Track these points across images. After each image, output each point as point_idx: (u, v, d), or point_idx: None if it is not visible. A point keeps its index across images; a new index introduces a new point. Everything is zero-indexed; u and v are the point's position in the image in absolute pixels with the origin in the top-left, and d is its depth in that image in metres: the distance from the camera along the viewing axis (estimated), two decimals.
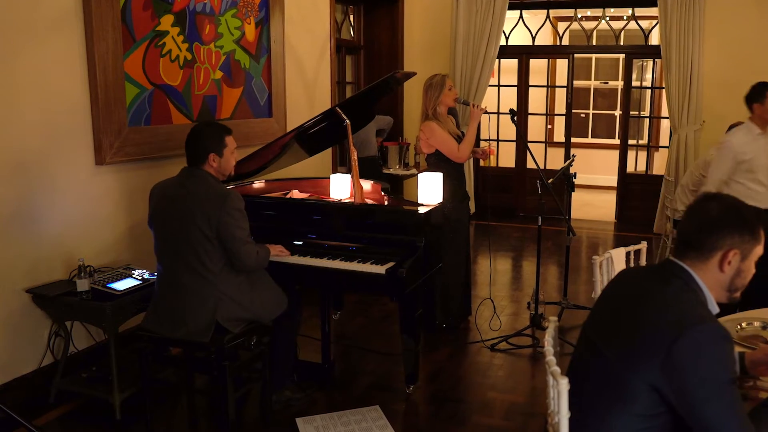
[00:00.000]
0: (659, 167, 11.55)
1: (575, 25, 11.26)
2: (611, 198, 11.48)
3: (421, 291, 4.72)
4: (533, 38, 11.12)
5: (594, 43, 12.02)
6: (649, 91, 12.09)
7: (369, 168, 8.33)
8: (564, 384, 2.38)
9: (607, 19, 11.03)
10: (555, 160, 11.20)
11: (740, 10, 9.35)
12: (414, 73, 5.70)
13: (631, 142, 11.28)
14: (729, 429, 2.16)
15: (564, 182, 6.37)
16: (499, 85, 11.29)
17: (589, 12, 12.11)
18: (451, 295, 5.95)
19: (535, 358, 5.47)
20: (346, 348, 5.67)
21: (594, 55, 14.07)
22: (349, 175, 5.06)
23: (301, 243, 4.71)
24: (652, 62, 11.33)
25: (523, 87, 11.12)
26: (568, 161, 6.63)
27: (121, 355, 4.52)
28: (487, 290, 6.86)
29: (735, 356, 2.33)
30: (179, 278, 3.90)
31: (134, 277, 4.65)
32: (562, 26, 12.37)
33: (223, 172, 4.05)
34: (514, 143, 11.27)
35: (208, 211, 3.80)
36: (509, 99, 10.96)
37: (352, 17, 10.23)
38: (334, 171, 8.22)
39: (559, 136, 12.72)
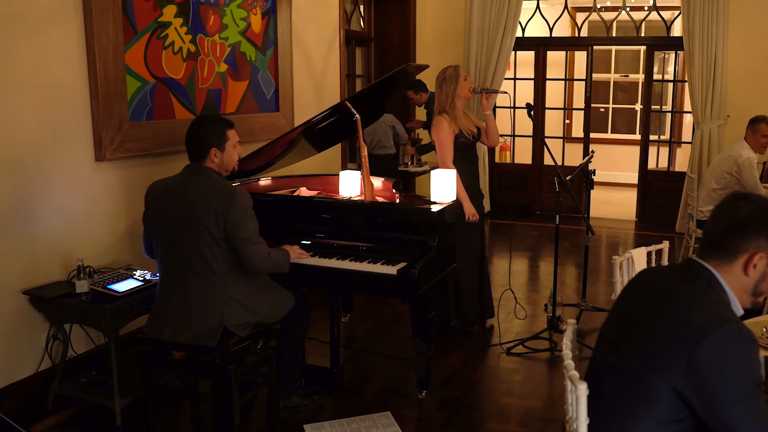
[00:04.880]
0: (682, 164, 11.52)
1: (594, 16, 11.21)
2: (631, 196, 11.44)
3: (434, 292, 4.70)
4: (551, 29, 11.08)
5: (614, 34, 12.00)
6: (671, 85, 12.03)
7: (383, 166, 8.33)
8: (583, 389, 2.36)
9: (628, 9, 10.98)
10: (573, 156, 11.16)
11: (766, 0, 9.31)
12: (426, 66, 5.68)
13: (652, 137, 11.23)
14: None
15: (582, 179, 6.34)
16: (515, 79, 11.26)
17: (608, 2, 12.07)
18: (465, 297, 5.93)
19: (553, 363, 5.45)
20: (355, 352, 5.65)
21: (614, 47, 14.01)
22: (359, 172, 5.04)
23: (309, 242, 4.70)
24: (674, 54, 11.27)
25: (540, 80, 11.09)
26: (586, 157, 6.60)
27: (122, 359, 4.51)
28: (503, 291, 6.83)
29: (760, 359, 2.30)
30: (183, 280, 3.86)
31: (135, 278, 4.64)
32: (580, 17, 12.33)
33: (226, 168, 4.01)
34: (531, 139, 11.24)
35: (215, 210, 3.76)
36: (526, 93, 10.91)
37: (362, 8, 10.20)
38: (344, 168, 8.22)
39: (578, 131, 12.69)
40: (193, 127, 3.97)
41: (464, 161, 5.67)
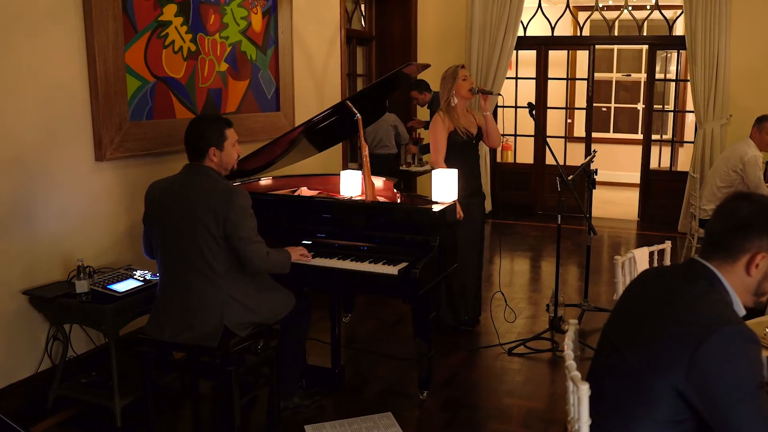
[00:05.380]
0: (684, 163, 11.50)
1: (596, 15, 11.19)
2: (634, 195, 11.42)
3: (436, 293, 4.69)
4: (552, 28, 11.08)
5: (616, 33, 11.95)
6: (673, 84, 12.02)
7: (384, 165, 8.32)
8: (584, 390, 2.35)
9: (630, 8, 10.96)
10: (575, 155, 11.14)
11: None
12: (428, 65, 5.68)
13: (654, 137, 11.20)
14: None
15: (584, 179, 6.33)
16: (516, 78, 11.25)
17: (610, 1, 12.05)
18: (457, 295, 5.93)
19: (555, 363, 5.44)
20: (356, 352, 5.65)
21: (616, 46, 14.01)
22: (360, 172, 5.04)
23: (310, 243, 4.69)
24: (676, 53, 11.26)
25: (541, 79, 11.08)
26: (588, 157, 6.59)
27: (122, 359, 4.51)
28: (505, 291, 6.83)
29: (763, 360, 2.30)
30: (183, 280, 3.86)
31: (136, 278, 4.64)
32: (582, 16, 12.33)
33: (225, 167, 4.01)
34: (533, 138, 11.23)
35: (215, 209, 3.76)
36: (527, 92, 10.90)
37: (363, 6, 10.20)
38: (345, 167, 8.21)
39: (580, 130, 12.66)
40: (191, 126, 3.97)
41: (459, 159, 5.67)
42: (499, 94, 6.00)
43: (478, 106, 5.90)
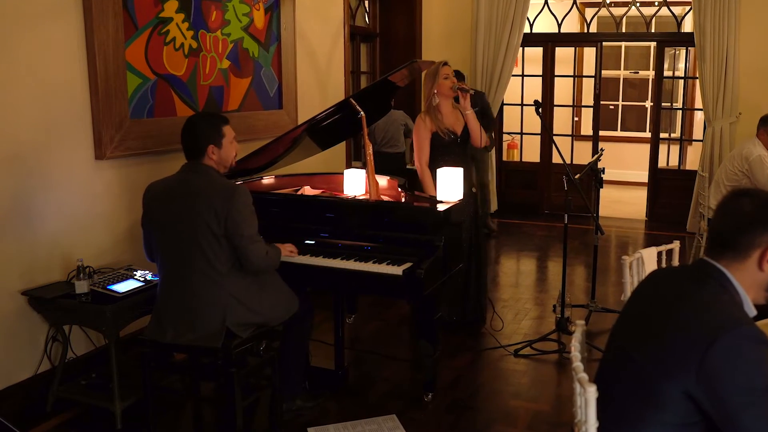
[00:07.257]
0: (692, 162, 11.48)
1: (604, 12, 11.18)
2: (642, 194, 11.42)
3: (440, 293, 4.68)
4: (559, 25, 11.06)
5: (623, 30, 11.97)
6: (681, 82, 12.00)
7: (393, 164, 8.31)
8: (592, 392, 2.35)
9: (638, 5, 10.95)
10: (582, 154, 11.12)
11: None
12: (432, 63, 5.67)
13: (662, 135, 11.19)
14: None
15: (592, 178, 6.32)
16: (523, 75, 11.24)
17: None
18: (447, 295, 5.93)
19: (561, 365, 5.43)
20: (360, 353, 5.64)
21: (624, 43, 13.99)
22: (363, 171, 5.03)
23: (313, 242, 4.68)
24: (685, 51, 11.26)
25: (548, 77, 11.06)
26: (596, 155, 6.58)
27: (122, 361, 4.51)
28: (511, 292, 6.83)
29: None
30: (185, 280, 3.85)
31: (136, 279, 4.64)
32: (589, 12, 12.30)
33: (224, 164, 4.01)
34: (539, 136, 11.21)
35: (216, 207, 3.75)
36: (534, 90, 10.89)
37: (367, 3, 10.20)
38: (348, 166, 8.21)
39: (587, 129, 12.66)
40: (188, 125, 3.98)
41: (445, 161, 5.63)
42: (471, 91, 5.88)
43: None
